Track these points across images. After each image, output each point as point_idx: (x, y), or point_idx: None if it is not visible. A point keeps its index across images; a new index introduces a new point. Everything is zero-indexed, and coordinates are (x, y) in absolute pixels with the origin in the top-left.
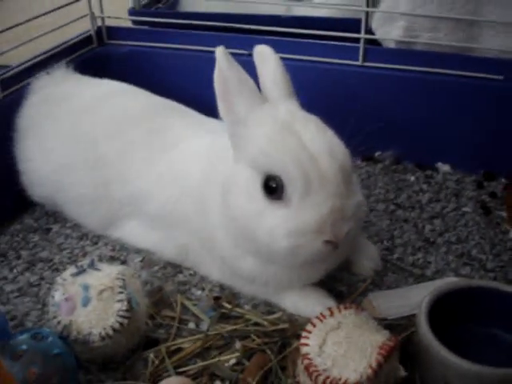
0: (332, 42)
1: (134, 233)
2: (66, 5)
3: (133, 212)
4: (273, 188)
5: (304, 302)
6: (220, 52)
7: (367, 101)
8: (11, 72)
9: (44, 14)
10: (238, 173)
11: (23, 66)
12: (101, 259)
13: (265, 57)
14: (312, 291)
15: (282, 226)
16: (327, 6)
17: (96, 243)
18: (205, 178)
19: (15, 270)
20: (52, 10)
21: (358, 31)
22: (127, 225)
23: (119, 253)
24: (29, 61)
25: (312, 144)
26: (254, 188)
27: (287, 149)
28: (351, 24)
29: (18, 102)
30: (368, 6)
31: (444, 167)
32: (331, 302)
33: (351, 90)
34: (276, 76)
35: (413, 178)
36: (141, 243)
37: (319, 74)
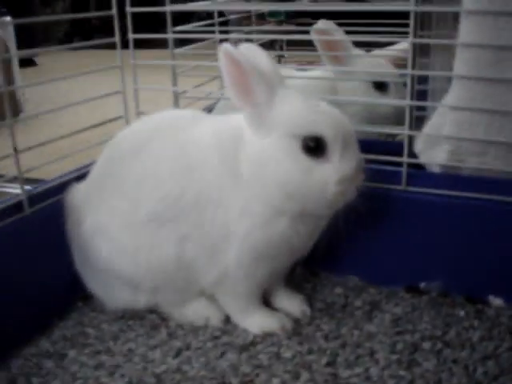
0: (375, 166)
1: None
2: (103, 123)
3: None
4: (312, 148)
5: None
6: (229, 47)
7: (410, 226)
8: (39, 189)
9: (80, 131)
10: (270, 146)
11: (51, 184)
12: None
13: (255, 52)
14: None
15: (332, 176)
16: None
17: (112, 374)
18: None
19: None
20: (88, 128)
21: (401, 154)
22: None
23: None
24: (58, 178)
25: (335, 112)
26: (295, 152)
27: (325, 113)
28: (395, 147)
29: (43, 218)
30: (411, 128)
31: (496, 301)
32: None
33: (394, 215)
34: (273, 65)
35: (462, 313)
36: None
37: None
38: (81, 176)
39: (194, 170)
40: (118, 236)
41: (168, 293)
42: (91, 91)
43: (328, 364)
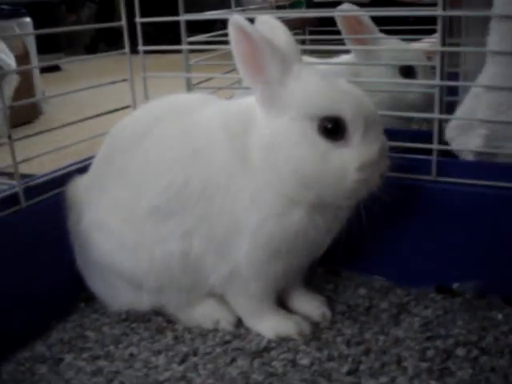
0: (403, 154)
1: None
2: (109, 112)
3: None
4: (330, 130)
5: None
6: (238, 19)
7: (441, 221)
8: (35, 182)
9: (85, 119)
10: (283, 128)
11: (50, 176)
12: None
13: (272, 25)
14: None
15: (353, 161)
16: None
17: (110, 381)
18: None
19: None
20: (93, 117)
21: (430, 143)
22: None
23: None
24: (57, 170)
25: (355, 90)
26: (311, 134)
27: (344, 91)
28: (423, 135)
29: (40, 213)
30: (441, 112)
31: None
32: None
33: (423, 208)
34: (290, 40)
35: (500, 316)
36: None
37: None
38: (82, 169)
39: (199, 156)
40: (119, 231)
41: (173, 293)
42: (112, 94)
43: (349, 372)
